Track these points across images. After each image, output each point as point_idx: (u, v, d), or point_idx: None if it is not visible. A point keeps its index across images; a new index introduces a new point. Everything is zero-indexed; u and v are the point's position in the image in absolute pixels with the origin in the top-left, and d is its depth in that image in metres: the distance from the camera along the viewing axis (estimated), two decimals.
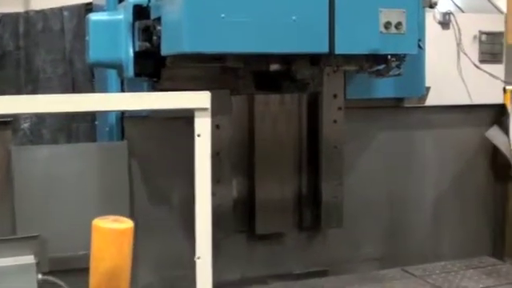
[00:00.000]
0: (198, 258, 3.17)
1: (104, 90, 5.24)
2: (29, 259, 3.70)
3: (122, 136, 4.94)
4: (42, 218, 4.55)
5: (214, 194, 4.79)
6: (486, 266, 5.40)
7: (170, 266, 5.01)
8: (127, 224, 3.37)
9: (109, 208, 4.71)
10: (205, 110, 3.16)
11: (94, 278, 3.36)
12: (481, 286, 4.96)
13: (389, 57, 4.43)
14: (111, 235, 3.31)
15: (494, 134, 5.91)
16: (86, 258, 4.50)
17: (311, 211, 5.28)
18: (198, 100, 3.16)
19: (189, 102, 3.17)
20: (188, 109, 3.35)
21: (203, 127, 3.18)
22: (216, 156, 4.80)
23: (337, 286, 4.97)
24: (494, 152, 5.99)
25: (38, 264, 3.69)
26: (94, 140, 5.97)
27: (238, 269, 5.19)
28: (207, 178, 3.21)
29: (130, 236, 3.36)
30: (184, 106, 3.20)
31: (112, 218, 3.40)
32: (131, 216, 4.65)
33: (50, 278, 3.75)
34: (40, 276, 3.69)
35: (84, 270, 4.21)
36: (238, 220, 5.10)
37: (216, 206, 4.80)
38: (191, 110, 3.28)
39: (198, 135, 3.18)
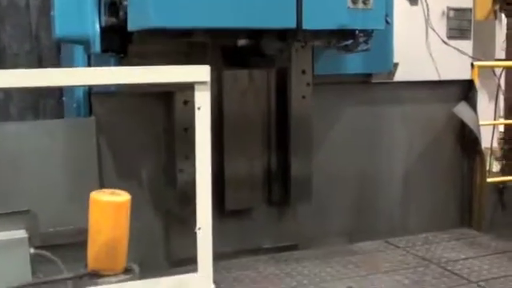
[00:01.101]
0: (199, 228, 3.18)
1: (70, 66, 5.17)
2: (20, 233, 3.70)
3: (90, 112, 4.90)
4: (9, 194, 4.51)
5: (181, 171, 4.85)
6: (466, 238, 5.53)
7: (139, 243, 4.99)
8: (124, 197, 3.43)
9: (78, 184, 4.72)
10: (204, 83, 3.15)
11: (92, 249, 3.40)
12: (462, 256, 5.06)
13: (356, 32, 4.45)
14: (109, 208, 3.36)
15: (462, 110, 5.96)
16: (56, 234, 4.56)
17: (280, 186, 5.30)
18: (198, 73, 3.16)
19: (188, 76, 3.15)
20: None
21: (203, 100, 3.19)
22: (184, 132, 4.80)
23: (323, 259, 5.03)
24: (462, 127, 6.06)
25: (29, 238, 3.69)
26: (61, 117, 5.91)
27: None
28: (207, 151, 3.26)
29: (127, 208, 3.43)
30: (183, 79, 3.19)
31: (109, 191, 3.46)
32: None
33: (43, 252, 3.75)
34: (32, 250, 3.69)
35: (56, 246, 4.28)
36: None
37: (184, 183, 4.83)
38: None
39: (199, 108, 3.18)
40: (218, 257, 5.09)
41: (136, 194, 4.96)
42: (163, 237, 5.10)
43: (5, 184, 4.57)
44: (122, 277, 3.40)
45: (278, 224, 5.42)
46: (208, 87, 3.16)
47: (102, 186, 4.75)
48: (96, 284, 3.27)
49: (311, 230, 5.52)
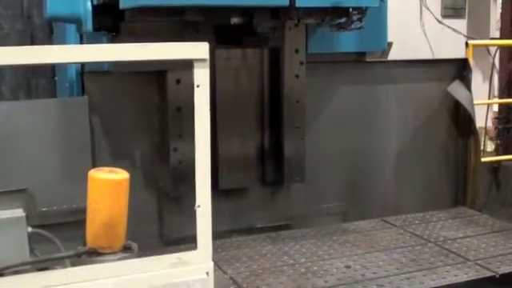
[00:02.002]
0: (198, 206, 3.17)
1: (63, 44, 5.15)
2: (18, 212, 3.69)
3: (83, 91, 4.88)
4: (2, 173, 4.50)
5: (175, 150, 4.84)
6: (464, 217, 5.51)
7: (132, 221, 4.99)
8: (123, 175, 3.42)
9: (70, 164, 4.71)
10: (203, 60, 3.11)
11: (91, 227, 3.40)
12: (460, 234, 5.05)
13: (350, 10, 4.43)
14: (108, 186, 3.35)
15: (456, 89, 5.95)
16: (48, 214, 4.56)
17: (274, 166, 5.29)
18: (197, 50, 3.10)
19: (187, 53, 3.11)
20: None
21: (202, 78, 3.14)
22: (177, 111, 4.79)
23: (320, 237, 5.01)
24: (456, 106, 6.05)
25: (27, 217, 3.69)
26: (54, 96, 5.89)
27: None
28: (206, 129, 3.23)
29: (126, 186, 3.42)
30: (182, 56, 3.14)
31: (107, 169, 3.44)
32: None
33: (40, 231, 3.74)
34: (30, 229, 3.68)
35: (53, 225, 4.28)
36: None
37: (177, 162, 4.82)
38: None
39: (198, 86, 3.14)
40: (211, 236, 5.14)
41: (129, 173, 5.00)
42: (157, 216, 5.10)
43: None
44: (121, 255, 3.40)
45: (271, 203, 5.42)
46: (207, 64, 3.12)
47: (94, 165, 4.74)
48: (95, 262, 3.27)
49: (305, 209, 5.52)
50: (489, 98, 6.40)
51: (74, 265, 3.38)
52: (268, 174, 5.31)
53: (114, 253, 3.39)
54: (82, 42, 4.88)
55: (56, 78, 5.91)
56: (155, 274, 3.15)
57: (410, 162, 5.94)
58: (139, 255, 3.38)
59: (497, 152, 6.62)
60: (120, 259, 3.32)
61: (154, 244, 4.94)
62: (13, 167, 4.58)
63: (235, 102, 5.04)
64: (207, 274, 3.23)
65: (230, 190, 5.19)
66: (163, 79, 4.82)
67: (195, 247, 3.22)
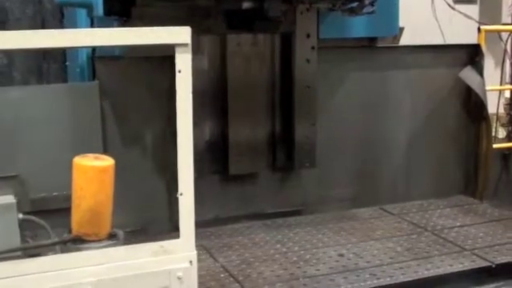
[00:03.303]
0: (181, 194, 3.16)
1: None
2: (9, 199, 3.70)
3: (94, 76, 4.88)
4: (13, 159, 4.51)
5: None
6: (463, 205, 5.46)
7: (143, 207, 5.02)
8: (108, 161, 3.39)
9: (81, 149, 4.68)
10: (185, 45, 3.10)
11: (76, 215, 3.38)
12: (458, 223, 5.01)
13: None
14: (92, 172, 3.32)
15: (468, 75, 5.91)
16: (58, 198, 4.56)
17: (284, 152, 5.29)
18: (179, 35, 3.10)
19: (169, 38, 3.10)
20: (164, 47, 3.28)
21: (184, 63, 3.14)
22: None
23: (315, 225, 4.98)
24: (468, 92, 6.01)
25: (18, 203, 3.68)
26: (65, 81, 5.90)
27: (212, 209, 5.20)
28: (189, 115, 3.20)
29: (111, 173, 3.38)
30: (164, 41, 3.13)
31: (92, 155, 3.41)
32: None
33: (31, 217, 3.74)
34: (21, 215, 3.69)
35: (57, 211, 4.28)
36: (211, 161, 5.10)
37: None
38: (169, 46, 3.20)
39: (179, 71, 3.13)
40: (221, 222, 5.15)
41: (140, 159, 5.02)
42: (167, 201, 5.10)
43: (8, 149, 4.57)
44: (106, 242, 3.36)
45: (281, 189, 5.41)
46: (189, 49, 3.10)
47: (105, 150, 4.75)
48: (79, 249, 3.26)
49: (315, 195, 5.51)
50: (501, 84, 6.37)
51: (58, 251, 3.38)
52: (278, 160, 5.30)
53: (99, 240, 3.36)
54: (92, 27, 4.88)
55: (67, 63, 5.91)
56: (137, 263, 3.15)
57: (420, 148, 5.91)
58: (125, 243, 3.35)
59: (508, 138, 6.59)
60: (104, 247, 3.28)
61: (163, 229, 4.95)
62: (23, 152, 4.58)
63: (246, 87, 5.03)
64: (190, 262, 3.22)
65: (240, 175, 5.20)
66: (174, 64, 4.80)
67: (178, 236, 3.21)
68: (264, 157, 5.23)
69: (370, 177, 5.75)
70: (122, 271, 3.12)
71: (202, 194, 5.07)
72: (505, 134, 6.64)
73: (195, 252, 3.24)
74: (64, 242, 3.37)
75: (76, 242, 3.34)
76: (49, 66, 6.28)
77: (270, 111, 5.22)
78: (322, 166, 5.37)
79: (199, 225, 4.96)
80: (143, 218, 5.02)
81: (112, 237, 3.42)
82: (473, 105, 6.04)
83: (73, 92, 4.84)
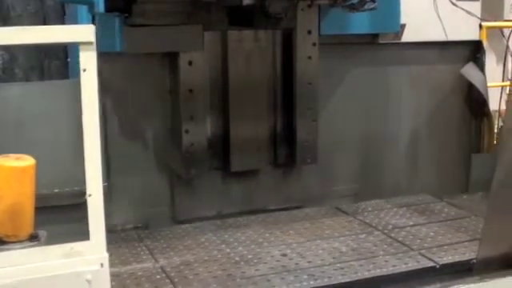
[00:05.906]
0: (89, 195, 3.12)
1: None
2: None
3: None
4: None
5: (187, 132, 4.84)
6: (420, 204, 5.33)
7: (144, 203, 5.03)
8: (28, 162, 3.33)
9: (82, 145, 4.71)
10: (89, 43, 3.05)
11: None
12: (411, 222, 4.90)
13: None
14: (12, 173, 3.26)
15: (470, 71, 5.90)
16: (60, 195, 4.58)
17: (286, 148, 5.28)
18: (82, 34, 3.04)
19: (72, 36, 3.06)
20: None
21: (89, 62, 3.08)
22: (189, 93, 4.78)
23: (266, 225, 4.90)
24: (470, 89, 6.00)
25: None
26: (66, 77, 5.89)
27: (214, 206, 5.21)
28: (95, 116, 3.17)
29: (31, 173, 3.32)
30: (67, 40, 3.12)
31: (14, 156, 3.35)
32: (105, 153, 4.67)
33: None
34: None
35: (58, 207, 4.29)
36: (212, 157, 5.10)
37: (189, 144, 4.82)
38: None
39: (84, 70, 3.09)
40: (223, 218, 5.15)
41: (141, 155, 5.03)
42: (168, 197, 5.11)
43: (10, 144, 4.57)
44: (25, 244, 3.29)
45: (283, 185, 5.41)
46: (94, 47, 3.06)
47: (106, 147, 4.76)
48: None
49: (317, 191, 5.52)
50: (502, 81, 6.36)
51: None
52: (280, 156, 5.30)
53: (19, 241, 3.29)
54: (94, 23, 4.87)
55: (69, 60, 5.91)
56: (47, 265, 3.11)
57: (422, 144, 5.92)
58: (47, 244, 3.28)
59: None
60: (21, 248, 3.22)
61: (165, 225, 4.96)
62: (25, 148, 4.58)
63: (247, 84, 5.02)
64: (101, 265, 3.17)
65: (241, 172, 5.20)
66: (175, 61, 4.81)
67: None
68: (265, 153, 5.23)
69: (372, 173, 5.75)
70: (33, 273, 3.08)
71: (203, 190, 5.13)
72: None
73: (106, 255, 3.18)
74: None
75: None
76: (50, 62, 6.27)
77: (271, 107, 5.22)
78: (323, 162, 5.37)
79: (200, 221, 5.03)
80: (145, 214, 5.03)
81: (33, 238, 3.34)
82: (475, 101, 6.03)
83: (75, 88, 4.81)
